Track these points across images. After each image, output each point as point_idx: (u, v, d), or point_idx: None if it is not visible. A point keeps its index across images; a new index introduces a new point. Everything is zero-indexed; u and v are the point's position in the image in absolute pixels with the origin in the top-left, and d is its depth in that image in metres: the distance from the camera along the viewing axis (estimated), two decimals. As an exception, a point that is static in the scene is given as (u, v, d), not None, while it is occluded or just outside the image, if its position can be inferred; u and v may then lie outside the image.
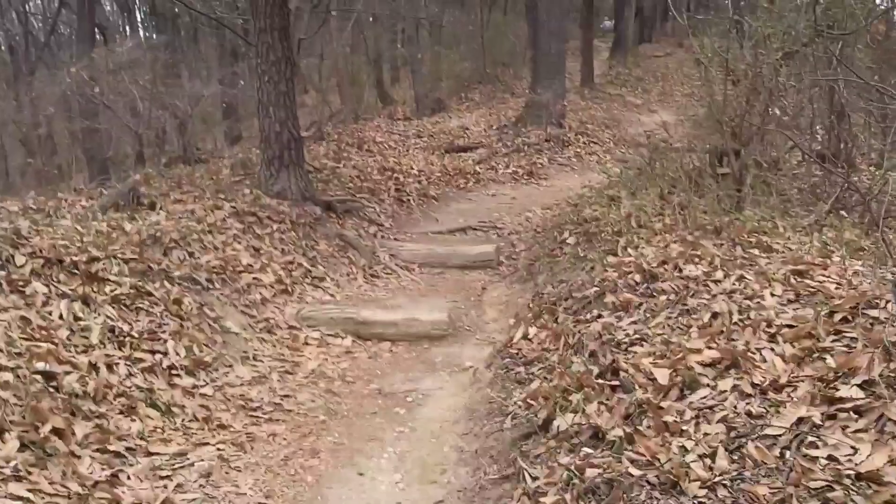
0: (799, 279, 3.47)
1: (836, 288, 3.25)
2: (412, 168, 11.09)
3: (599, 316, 3.73)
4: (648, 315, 3.50)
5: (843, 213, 5.82)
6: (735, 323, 3.08)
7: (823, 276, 3.51)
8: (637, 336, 3.29)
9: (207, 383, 3.94)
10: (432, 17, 18.05)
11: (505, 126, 15.07)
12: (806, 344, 2.73)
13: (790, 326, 2.90)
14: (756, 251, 4.28)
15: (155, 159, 14.43)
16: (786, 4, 6.28)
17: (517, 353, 3.98)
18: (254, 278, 5.31)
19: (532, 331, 4.13)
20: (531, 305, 4.69)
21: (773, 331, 2.91)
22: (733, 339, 2.95)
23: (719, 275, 3.69)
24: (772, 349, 2.78)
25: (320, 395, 4.08)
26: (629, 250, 4.53)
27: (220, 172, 9.51)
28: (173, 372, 3.87)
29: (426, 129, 16.60)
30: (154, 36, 27.72)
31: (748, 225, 4.51)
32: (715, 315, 3.19)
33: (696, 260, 4.00)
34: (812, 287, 3.31)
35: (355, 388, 4.22)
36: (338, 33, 15.51)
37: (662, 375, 2.80)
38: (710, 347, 2.93)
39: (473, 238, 7.63)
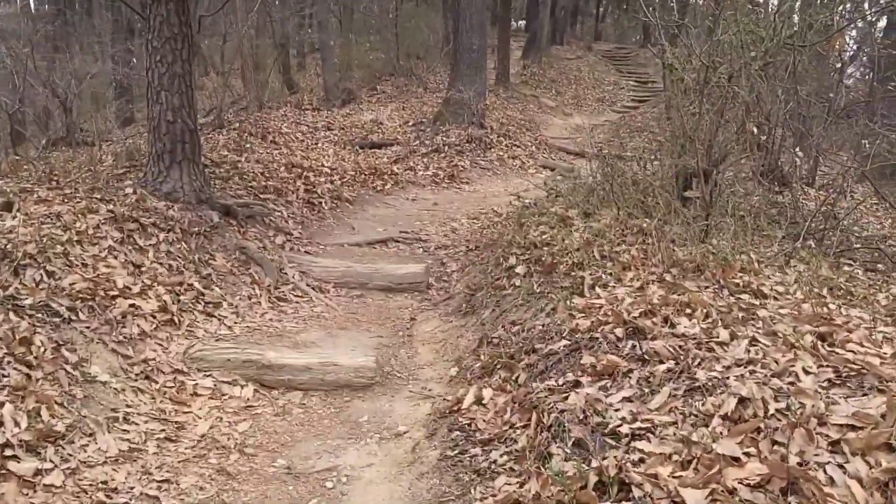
0: (828, 347, 2.80)
1: (882, 363, 2.59)
2: (323, 165, 10.09)
3: (577, 384, 2.95)
4: (645, 389, 2.75)
5: (810, 242, 5.34)
6: (772, 415, 2.36)
7: (852, 341, 2.86)
8: (638, 423, 2.52)
9: (56, 465, 2.90)
10: (344, 1, 16.97)
11: (422, 123, 14.25)
12: (887, 462, 2.02)
13: (853, 428, 2.20)
14: (747, 296, 3.63)
15: (35, 140, 12.86)
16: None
17: (469, 425, 3.15)
18: (131, 305, 4.25)
19: (486, 393, 3.30)
20: (480, 354, 3.87)
21: (831, 434, 2.20)
22: (778, 443, 2.22)
23: (723, 334, 2.98)
24: (840, 467, 2.07)
25: (211, 477, 3.11)
26: (598, 290, 3.79)
27: (103, 162, 8.23)
28: (7, 452, 2.82)
29: (336, 121, 15.57)
30: (47, 7, 25.39)
31: (737, 264, 3.84)
32: (742, 401, 2.46)
33: (688, 311, 3.29)
34: (850, 360, 2.64)
35: (257, 464, 3.27)
36: (243, 13, 14.21)
37: (697, 502, 2.04)
38: (748, 454, 2.20)
39: (396, 252, 6.75)
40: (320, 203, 8.03)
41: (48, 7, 25.36)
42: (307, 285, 5.54)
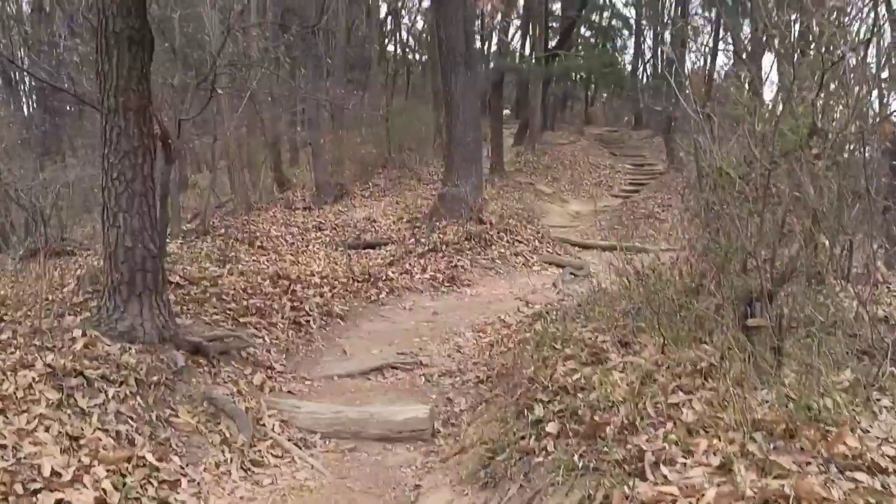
0: None
1: None
2: (313, 273, 9.29)
3: None
4: None
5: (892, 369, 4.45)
6: None
7: None
8: None
9: None
10: (335, 98, 16.58)
11: (417, 219, 13.58)
12: None
13: None
14: (862, 474, 2.74)
15: (11, 252, 12.16)
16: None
17: None
18: (58, 501, 3.31)
19: None
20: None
21: None
22: None
23: (870, 564, 2.07)
24: None
25: None
26: (664, 469, 2.88)
27: (63, 286, 7.40)
28: None
29: (328, 219, 14.93)
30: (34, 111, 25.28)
31: (844, 428, 2.95)
32: None
33: (803, 515, 2.38)
34: None
35: None
36: (229, 113, 13.71)
37: None
38: None
39: (394, 384, 5.83)
40: (308, 322, 7.16)
41: (37, 112, 25.22)
42: (289, 440, 4.60)
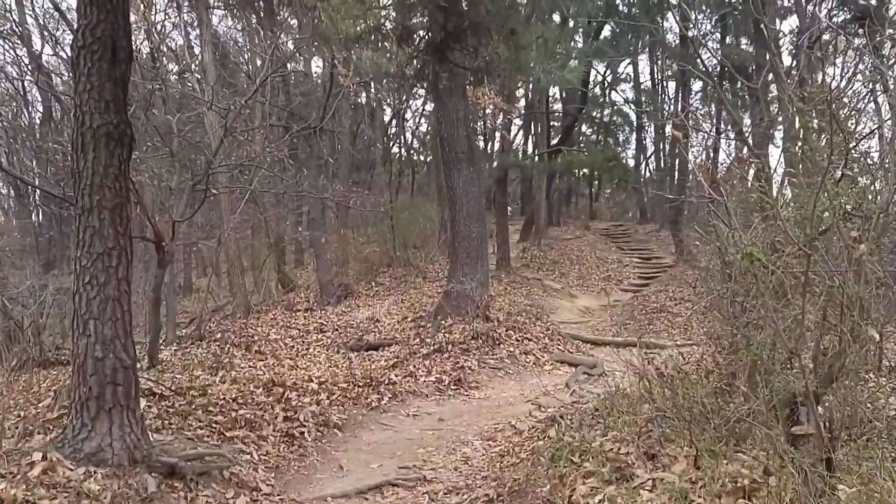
0: None
1: None
2: (311, 379, 8.75)
3: None
4: None
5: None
6: None
7: None
8: None
9: None
10: (336, 194, 16.50)
11: (422, 318, 13.12)
12: None
13: None
14: None
15: (4, 364, 11.75)
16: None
17: None
18: None
19: None
20: None
21: None
22: None
23: None
24: None
25: None
26: None
27: (40, 401, 6.92)
28: None
29: (330, 321, 14.48)
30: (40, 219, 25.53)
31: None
32: None
33: None
34: None
35: None
36: (228, 213, 13.52)
37: None
38: None
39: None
40: (302, 434, 6.60)
41: (44, 220, 25.41)
42: (270, 579, 4.02)
